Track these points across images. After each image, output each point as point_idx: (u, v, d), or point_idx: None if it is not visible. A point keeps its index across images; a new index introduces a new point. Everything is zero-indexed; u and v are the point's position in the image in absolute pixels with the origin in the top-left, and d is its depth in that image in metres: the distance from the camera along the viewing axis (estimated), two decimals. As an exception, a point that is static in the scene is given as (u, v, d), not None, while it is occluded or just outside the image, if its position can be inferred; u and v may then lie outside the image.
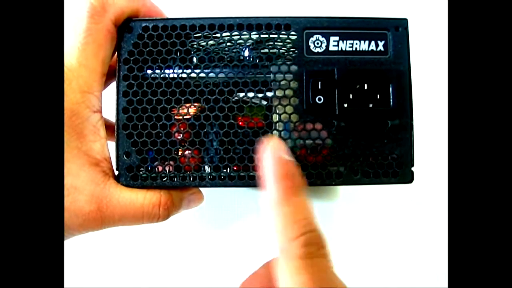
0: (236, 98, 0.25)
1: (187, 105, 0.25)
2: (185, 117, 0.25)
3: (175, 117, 0.25)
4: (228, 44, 0.26)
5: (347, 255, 0.37)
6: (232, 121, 0.25)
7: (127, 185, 0.25)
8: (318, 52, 0.25)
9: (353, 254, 0.37)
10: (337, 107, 0.25)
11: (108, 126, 0.25)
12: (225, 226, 0.38)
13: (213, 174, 0.25)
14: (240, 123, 0.25)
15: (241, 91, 0.25)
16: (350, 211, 0.37)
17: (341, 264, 0.36)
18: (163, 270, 0.37)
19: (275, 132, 0.25)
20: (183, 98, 0.25)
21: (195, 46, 0.26)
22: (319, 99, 0.25)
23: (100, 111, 0.25)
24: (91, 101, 0.24)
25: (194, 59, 0.26)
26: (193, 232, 0.37)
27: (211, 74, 0.25)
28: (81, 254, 0.37)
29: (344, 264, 0.36)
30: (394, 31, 0.25)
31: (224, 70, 0.25)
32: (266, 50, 0.25)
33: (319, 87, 0.25)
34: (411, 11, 0.37)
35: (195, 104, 0.25)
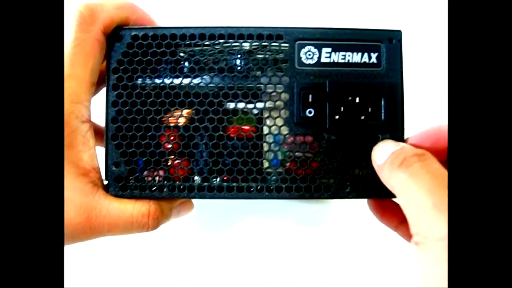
0: (226, 108, 0.25)
1: (177, 114, 0.25)
2: (175, 126, 0.25)
3: (165, 126, 0.25)
4: (219, 53, 0.25)
5: (343, 257, 0.37)
6: (222, 132, 0.25)
7: (116, 195, 0.25)
8: (309, 63, 0.25)
9: (349, 256, 0.37)
10: (327, 121, 0.24)
11: (97, 132, 0.25)
12: (220, 228, 0.38)
13: (202, 185, 0.25)
14: (230, 134, 0.25)
15: (231, 101, 0.25)
16: (344, 214, 0.37)
17: (338, 266, 0.36)
18: (162, 270, 0.38)
19: (265, 144, 0.25)
20: (172, 108, 0.25)
21: (185, 55, 0.26)
22: (310, 112, 0.25)
23: (89, 121, 0.24)
24: (80, 111, 0.24)
25: (184, 68, 0.25)
26: (189, 233, 0.38)
27: (201, 84, 0.25)
28: (81, 255, 0.38)
29: (341, 266, 0.36)
30: (388, 43, 0.25)
31: (214, 79, 0.25)
32: (257, 61, 0.25)
33: (310, 100, 0.24)
34: (405, 22, 0.37)
35: (185, 111, 0.25)
